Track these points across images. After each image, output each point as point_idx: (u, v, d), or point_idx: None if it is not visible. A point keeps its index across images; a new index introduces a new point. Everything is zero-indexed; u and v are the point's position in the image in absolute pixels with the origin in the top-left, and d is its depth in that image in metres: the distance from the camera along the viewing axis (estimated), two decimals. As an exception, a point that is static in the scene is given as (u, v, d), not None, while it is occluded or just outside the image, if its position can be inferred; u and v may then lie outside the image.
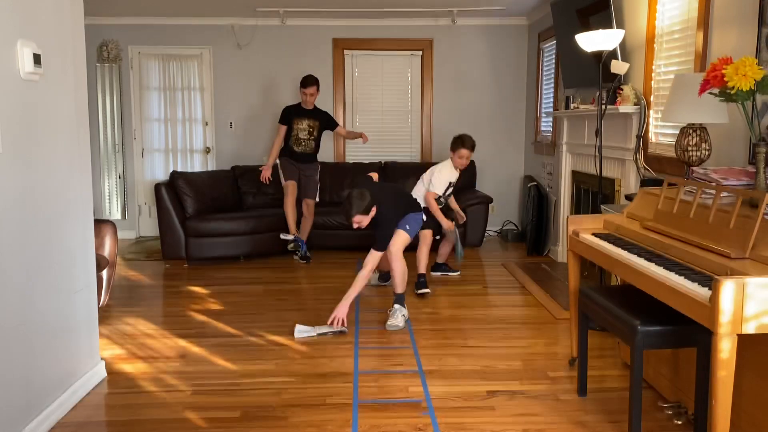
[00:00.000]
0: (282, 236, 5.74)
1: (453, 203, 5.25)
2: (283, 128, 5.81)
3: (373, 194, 3.85)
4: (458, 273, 5.27)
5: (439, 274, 5.19)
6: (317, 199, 6.07)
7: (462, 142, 4.86)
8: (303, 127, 5.79)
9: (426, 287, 4.64)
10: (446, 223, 4.84)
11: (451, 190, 5.00)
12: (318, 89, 5.78)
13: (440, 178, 4.85)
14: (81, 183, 2.98)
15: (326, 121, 5.95)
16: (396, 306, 3.98)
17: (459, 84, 7.02)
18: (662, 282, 2.17)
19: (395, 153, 7.06)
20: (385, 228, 3.97)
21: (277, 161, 5.85)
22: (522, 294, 4.69)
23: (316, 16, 6.71)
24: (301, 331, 3.75)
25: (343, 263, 5.67)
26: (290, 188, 5.73)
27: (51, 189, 2.71)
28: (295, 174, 5.80)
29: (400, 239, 4.06)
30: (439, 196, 4.89)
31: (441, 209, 4.88)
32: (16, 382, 2.45)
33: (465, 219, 5.35)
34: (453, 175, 4.92)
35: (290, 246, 5.69)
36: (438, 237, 4.99)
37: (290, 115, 5.81)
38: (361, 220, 3.83)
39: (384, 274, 4.76)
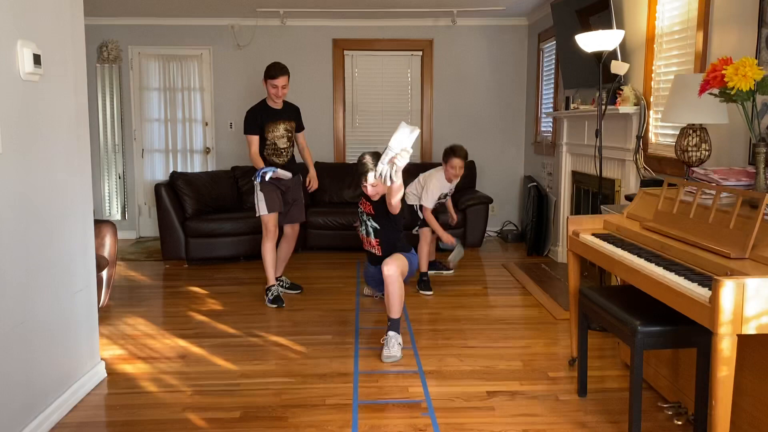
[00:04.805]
0: (271, 294, 4.42)
1: (448, 203, 5.27)
2: (255, 139, 4.33)
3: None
4: (452, 271, 5.29)
5: (433, 272, 5.19)
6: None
7: (453, 151, 4.71)
8: (280, 133, 4.39)
9: (430, 289, 4.70)
10: (445, 237, 4.82)
11: (447, 195, 5.02)
12: (289, 80, 4.37)
13: (429, 193, 4.77)
14: (81, 183, 2.98)
15: (298, 117, 4.57)
16: (390, 333, 3.44)
17: (459, 84, 7.02)
18: (662, 282, 2.17)
19: (395, 153, 7.06)
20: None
21: (256, 182, 4.33)
22: (522, 294, 4.69)
23: (316, 17, 6.71)
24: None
25: (342, 263, 5.67)
26: (272, 225, 4.33)
27: (51, 189, 2.71)
28: (278, 201, 4.37)
29: (402, 262, 3.54)
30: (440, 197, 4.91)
31: (434, 209, 4.87)
32: (16, 383, 2.45)
33: (456, 221, 5.44)
34: (444, 187, 4.86)
35: (271, 298, 4.39)
36: (415, 231, 4.95)
37: (261, 119, 4.33)
38: (377, 184, 3.50)
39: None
